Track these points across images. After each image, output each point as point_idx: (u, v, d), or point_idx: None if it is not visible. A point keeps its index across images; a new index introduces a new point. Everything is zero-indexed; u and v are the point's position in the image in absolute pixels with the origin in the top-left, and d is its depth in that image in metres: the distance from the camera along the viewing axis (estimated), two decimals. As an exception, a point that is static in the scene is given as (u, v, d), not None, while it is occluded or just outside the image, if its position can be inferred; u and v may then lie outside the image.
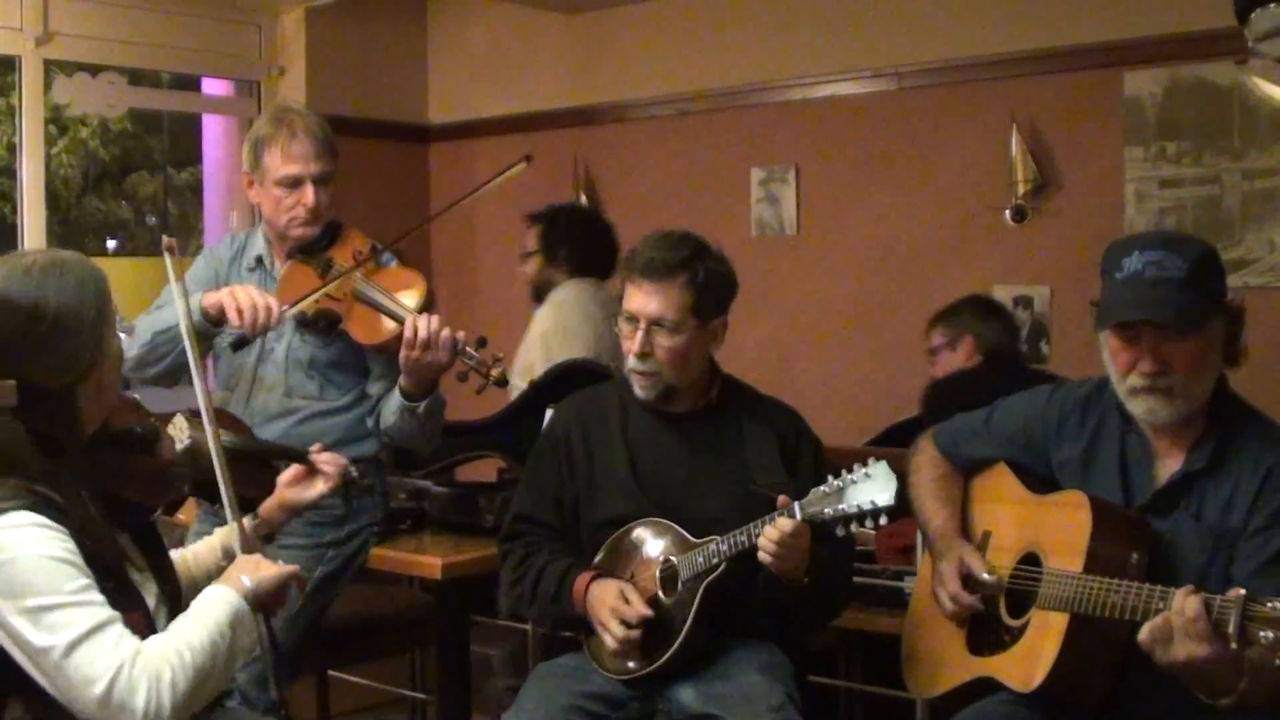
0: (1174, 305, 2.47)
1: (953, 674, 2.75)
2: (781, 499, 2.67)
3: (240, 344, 3.23)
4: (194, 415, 2.58)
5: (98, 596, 2.11)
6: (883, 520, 2.56)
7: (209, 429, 2.46)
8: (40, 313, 2.15)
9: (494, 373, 3.20)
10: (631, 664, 2.88)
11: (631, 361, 2.96)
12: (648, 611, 2.80)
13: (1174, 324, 2.47)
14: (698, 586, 2.79)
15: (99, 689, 2.05)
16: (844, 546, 2.91)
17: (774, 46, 5.22)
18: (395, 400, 3.28)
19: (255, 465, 2.70)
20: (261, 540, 2.68)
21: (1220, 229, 4.22)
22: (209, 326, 3.18)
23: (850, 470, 2.59)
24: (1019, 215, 4.62)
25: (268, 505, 2.71)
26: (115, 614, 2.11)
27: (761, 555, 2.67)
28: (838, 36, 5.06)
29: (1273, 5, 1.73)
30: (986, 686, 2.65)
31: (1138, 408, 2.54)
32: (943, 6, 4.80)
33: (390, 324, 3.24)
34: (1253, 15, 1.75)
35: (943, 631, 2.78)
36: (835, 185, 5.12)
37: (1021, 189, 4.59)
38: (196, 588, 2.47)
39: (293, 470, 2.75)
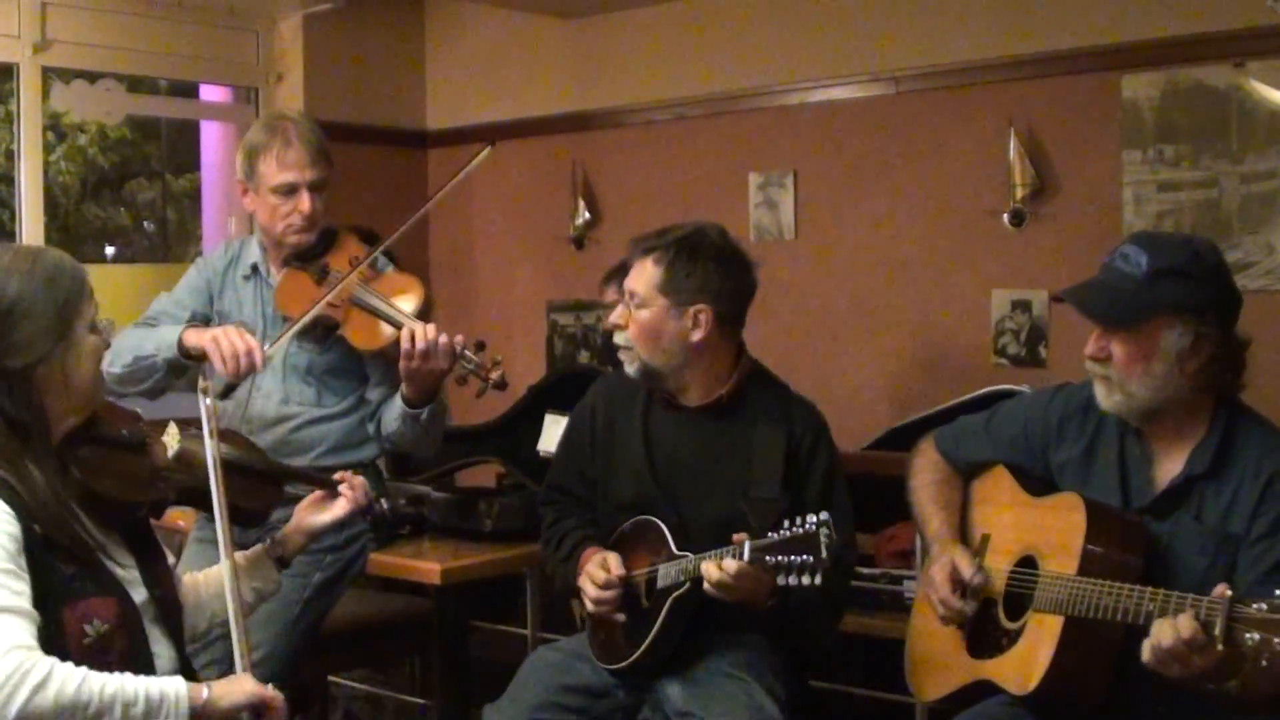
0: (1107, 298, 2.54)
1: (953, 677, 2.75)
2: (736, 537, 2.65)
3: (227, 392, 3.19)
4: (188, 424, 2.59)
5: (15, 585, 2.10)
6: (818, 579, 2.53)
7: (208, 442, 2.47)
8: (3, 295, 2.25)
9: (493, 376, 3.19)
10: (605, 655, 2.95)
11: (615, 335, 3.07)
12: (620, 571, 2.88)
13: (1096, 315, 2.56)
14: (666, 599, 2.83)
15: None
16: (835, 572, 2.83)
17: (771, 51, 5.22)
18: (397, 407, 3.28)
19: (255, 481, 2.67)
20: (275, 563, 2.66)
21: (1218, 232, 4.21)
22: (185, 362, 3.21)
23: (804, 520, 2.56)
24: (1017, 219, 4.61)
25: (287, 529, 2.71)
26: (22, 607, 2.09)
27: (705, 587, 2.70)
28: (835, 41, 5.06)
29: None
30: (986, 690, 2.65)
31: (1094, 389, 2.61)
32: (940, 10, 4.80)
33: (388, 330, 3.24)
34: None
35: (944, 635, 2.78)
36: (833, 190, 5.11)
37: (1019, 193, 4.58)
38: (203, 610, 2.53)
39: (313, 495, 2.73)
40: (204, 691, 2.21)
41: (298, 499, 2.79)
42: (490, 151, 3.42)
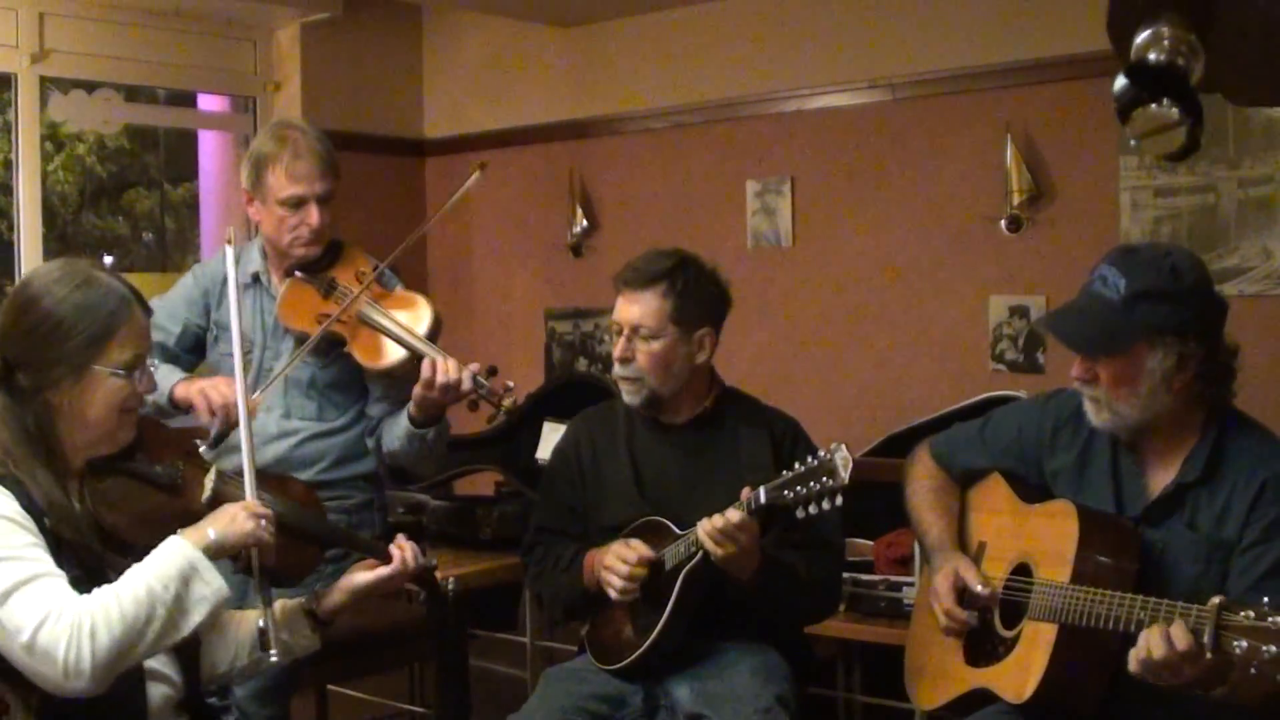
0: (1086, 326, 2.54)
1: (951, 685, 2.76)
2: (745, 491, 2.76)
3: (218, 441, 3.07)
4: (234, 475, 2.51)
5: (43, 555, 2.14)
6: (838, 500, 2.65)
7: (248, 490, 2.41)
8: (34, 306, 2.26)
9: (505, 403, 3.18)
10: (614, 657, 2.99)
11: (616, 368, 3.10)
12: (650, 553, 2.90)
13: (1076, 345, 2.56)
14: (677, 575, 2.87)
15: (24, 638, 2.08)
16: (826, 556, 3.02)
17: (769, 59, 5.23)
18: (402, 426, 3.27)
19: (295, 540, 2.51)
20: (309, 617, 2.56)
21: (1215, 237, 4.22)
22: (172, 411, 3.20)
23: (813, 456, 2.69)
24: (1014, 225, 4.62)
25: (334, 585, 2.61)
26: (57, 570, 2.14)
27: (702, 538, 2.77)
28: (832, 48, 5.06)
29: (1153, 106, 1.77)
30: (983, 698, 2.65)
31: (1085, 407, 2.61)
32: (936, 17, 4.81)
33: (395, 349, 3.22)
34: (1133, 115, 1.79)
35: (942, 643, 2.79)
36: (830, 197, 5.12)
37: (1016, 199, 4.59)
38: (228, 648, 2.49)
39: (368, 561, 2.62)
40: (209, 534, 2.26)
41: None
42: (482, 173, 3.40)
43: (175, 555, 2.21)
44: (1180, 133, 1.81)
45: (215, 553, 2.27)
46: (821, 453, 2.68)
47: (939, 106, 4.84)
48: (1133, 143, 1.85)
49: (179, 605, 2.18)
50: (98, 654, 2.08)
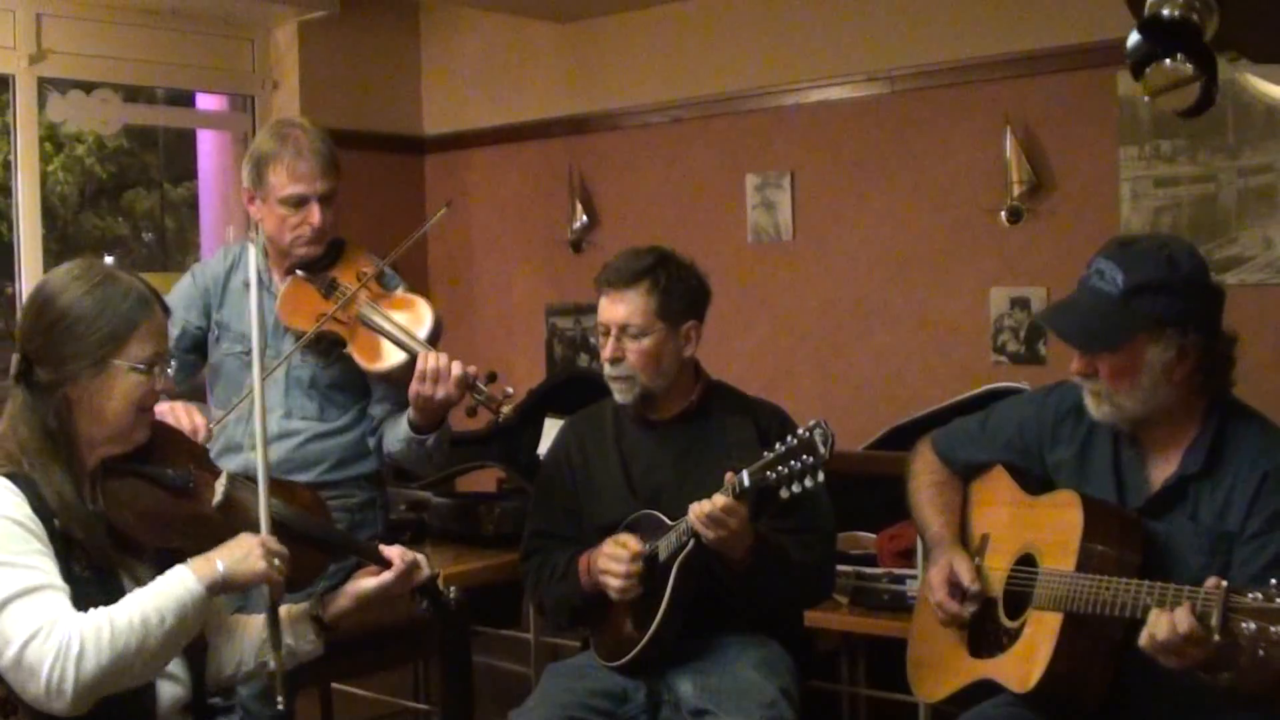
0: (1086, 322, 2.53)
1: (955, 677, 2.76)
2: (729, 475, 2.77)
3: None
4: (245, 479, 2.49)
5: (45, 564, 2.14)
6: (820, 477, 2.66)
7: (262, 497, 2.39)
8: (53, 303, 2.28)
9: (504, 409, 3.14)
10: (616, 653, 3.00)
11: (606, 368, 3.12)
12: (640, 546, 2.93)
13: (1077, 341, 2.56)
14: (672, 565, 2.89)
15: (12, 651, 2.07)
16: (816, 539, 3.03)
17: (767, 52, 5.22)
18: (402, 430, 3.24)
19: (303, 546, 2.49)
20: (314, 622, 2.55)
21: (1216, 227, 4.22)
22: None
23: (792, 435, 2.71)
24: (1014, 217, 4.62)
25: (341, 591, 2.59)
26: (56, 583, 2.13)
27: (693, 522, 2.79)
28: (830, 41, 5.06)
29: (1166, 62, 1.76)
30: (988, 689, 2.65)
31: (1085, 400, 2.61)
32: (935, 9, 4.80)
33: (395, 351, 3.19)
34: (1147, 71, 1.78)
35: (945, 635, 2.79)
36: (830, 190, 5.12)
37: (1016, 190, 4.59)
38: (234, 653, 2.48)
39: (370, 568, 2.60)
40: (218, 566, 2.24)
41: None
42: (446, 210, 3.46)
43: (177, 587, 2.20)
44: (1194, 89, 1.80)
45: (221, 587, 2.25)
46: (801, 430, 2.69)
47: (938, 98, 4.83)
48: (1145, 99, 1.84)
49: (171, 638, 2.18)
50: (81, 678, 2.07)
